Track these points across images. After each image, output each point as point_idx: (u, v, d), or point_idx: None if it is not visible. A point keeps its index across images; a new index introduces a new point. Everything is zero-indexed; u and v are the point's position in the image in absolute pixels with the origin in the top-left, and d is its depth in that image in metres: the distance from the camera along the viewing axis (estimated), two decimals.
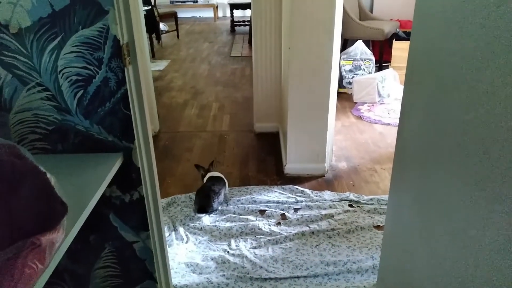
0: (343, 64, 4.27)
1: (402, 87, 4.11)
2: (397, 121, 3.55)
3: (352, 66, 4.28)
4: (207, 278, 1.85)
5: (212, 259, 1.97)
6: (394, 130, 3.39)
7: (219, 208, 2.38)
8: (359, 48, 4.29)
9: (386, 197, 2.44)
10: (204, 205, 2.33)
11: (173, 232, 2.18)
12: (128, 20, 1.09)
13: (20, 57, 1.07)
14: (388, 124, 3.54)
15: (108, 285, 1.39)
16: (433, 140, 0.99)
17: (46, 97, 1.12)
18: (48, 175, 0.77)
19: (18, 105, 1.12)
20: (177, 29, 7.70)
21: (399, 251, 1.28)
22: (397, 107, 3.89)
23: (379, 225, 2.21)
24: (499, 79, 0.65)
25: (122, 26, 1.07)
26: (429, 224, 1.01)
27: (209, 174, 2.51)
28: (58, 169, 1.13)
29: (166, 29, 7.86)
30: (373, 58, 4.30)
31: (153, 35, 6.56)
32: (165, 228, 2.20)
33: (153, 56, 6.31)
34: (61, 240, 0.75)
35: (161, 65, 5.90)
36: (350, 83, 4.27)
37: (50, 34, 1.05)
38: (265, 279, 1.84)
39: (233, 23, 8.33)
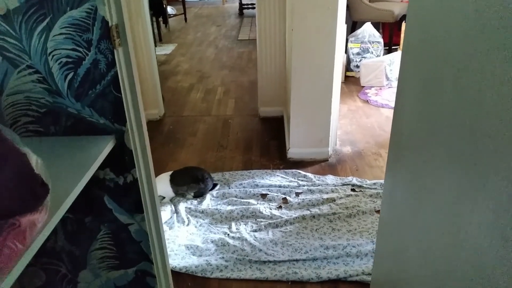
0: (350, 47, 4.20)
1: None
2: None
3: (360, 49, 4.21)
4: (207, 260, 1.86)
5: (212, 242, 1.98)
6: None
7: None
8: (367, 30, 4.20)
9: None
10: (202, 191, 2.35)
11: (175, 215, 2.20)
12: (117, 1, 1.08)
13: (10, 39, 1.06)
14: None
15: (104, 266, 1.41)
16: (427, 122, 0.96)
17: (37, 80, 1.12)
18: (34, 157, 0.78)
19: (10, 87, 1.12)
20: (184, 13, 7.65)
21: (393, 234, 1.27)
22: None
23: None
24: (493, 56, 0.63)
25: (111, 7, 1.06)
26: (421, 207, 0.99)
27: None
28: (50, 152, 1.15)
29: (173, 13, 7.81)
30: (381, 40, 4.22)
31: (160, 19, 6.52)
32: (168, 211, 2.22)
33: (160, 40, 6.29)
34: (43, 220, 0.76)
35: (167, 49, 5.88)
36: (357, 66, 4.20)
37: (38, 15, 1.04)
38: (264, 262, 1.85)
39: (242, 6, 8.23)
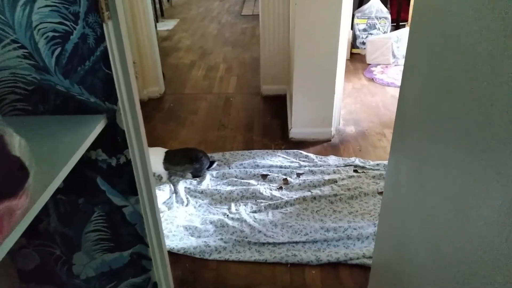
0: (357, 23, 4.08)
1: None
2: None
3: (367, 25, 4.08)
4: (205, 241, 1.84)
5: (211, 223, 1.96)
6: None
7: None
8: (375, 5, 4.07)
9: None
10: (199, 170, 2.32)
11: (174, 195, 2.16)
12: None
13: None
14: None
15: (99, 249, 1.38)
16: (434, 103, 0.90)
17: (23, 55, 1.06)
18: (17, 138, 0.73)
19: None
20: None
21: (395, 217, 1.22)
22: None
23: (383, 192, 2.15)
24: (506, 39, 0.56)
25: None
26: (425, 189, 0.94)
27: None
28: (38, 131, 1.10)
29: None
30: (389, 16, 4.08)
31: None
32: (167, 191, 2.19)
33: (162, 15, 6.15)
34: (23, 207, 0.71)
35: (169, 24, 5.75)
36: (363, 43, 4.09)
37: None
38: (263, 244, 1.83)
39: None
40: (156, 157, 2.23)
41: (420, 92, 1.00)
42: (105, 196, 1.28)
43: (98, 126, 1.11)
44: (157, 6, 5.95)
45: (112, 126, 1.15)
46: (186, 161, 2.28)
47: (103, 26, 1.02)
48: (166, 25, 5.70)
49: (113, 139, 1.18)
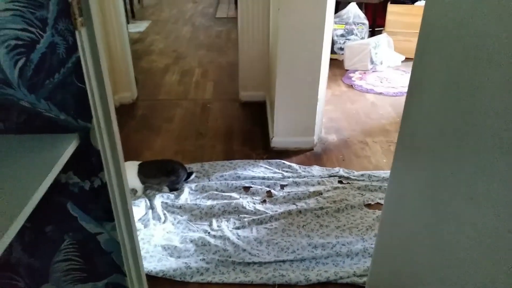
0: (334, 28, 4.04)
1: (396, 54, 3.92)
2: (390, 90, 3.40)
3: (344, 30, 4.05)
4: (186, 262, 1.71)
5: (191, 241, 1.83)
6: (387, 100, 3.24)
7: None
8: (352, 11, 4.05)
9: (377, 173, 2.31)
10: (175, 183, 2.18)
11: (150, 211, 2.02)
12: None
13: None
14: (381, 93, 3.38)
15: (70, 279, 1.24)
16: (451, 124, 0.82)
17: None
18: None
19: None
20: None
21: (399, 237, 1.15)
22: (390, 75, 3.72)
23: (370, 204, 2.09)
24: None
25: None
26: (441, 214, 0.87)
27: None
28: (0, 153, 0.95)
29: None
30: (366, 22, 4.07)
31: None
32: (142, 206, 2.05)
33: (133, 16, 5.94)
34: None
35: (141, 26, 5.56)
36: (341, 48, 4.06)
37: None
38: (248, 263, 1.72)
39: None
40: (130, 170, 2.08)
41: (432, 111, 0.92)
42: (76, 223, 1.14)
43: (70, 147, 0.98)
44: (128, 7, 5.74)
45: (86, 146, 1.02)
46: (162, 174, 2.14)
47: (75, 34, 0.89)
48: (138, 27, 5.50)
49: (86, 160, 1.04)
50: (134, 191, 2.15)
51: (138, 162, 2.15)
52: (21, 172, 0.89)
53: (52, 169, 0.92)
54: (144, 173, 2.11)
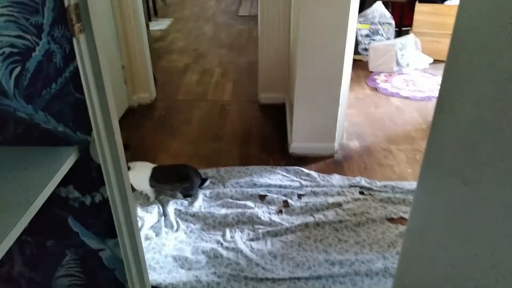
0: (359, 28, 3.89)
1: (424, 56, 3.75)
2: (416, 94, 3.24)
3: (369, 30, 3.90)
4: (196, 276, 1.64)
5: (203, 252, 1.76)
6: (413, 105, 3.09)
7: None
8: (378, 10, 3.89)
9: (401, 184, 2.19)
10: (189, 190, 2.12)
11: (162, 218, 1.96)
12: None
13: None
14: (407, 97, 3.23)
15: None
16: (489, 145, 0.71)
17: None
18: None
19: None
20: None
21: (425, 260, 1.03)
22: (417, 78, 3.55)
23: (392, 218, 1.97)
24: None
25: None
26: (474, 241, 0.76)
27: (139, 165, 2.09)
28: None
29: None
30: (392, 22, 3.91)
31: None
32: (155, 213, 1.99)
33: (156, 14, 5.93)
34: None
35: (163, 24, 5.53)
36: (366, 49, 3.91)
37: None
38: (261, 279, 1.63)
39: None
40: (142, 174, 2.03)
41: (466, 130, 0.81)
42: (78, 238, 1.08)
43: (68, 161, 0.92)
44: (150, 4, 5.72)
45: (85, 160, 0.95)
46: (175, 179, 2.07)
47: (72, 41, 0.82)
48: (159, 25, 5.48)
49: (86, 174, 0.98)
50: (146, 196, 2.10)
51: (153, 166, 2.10)
52: (17, 185, 0.85)
53: (49, 183, 0.86)
54: (157, 178, 2.05)
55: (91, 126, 0.91)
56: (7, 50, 0.82)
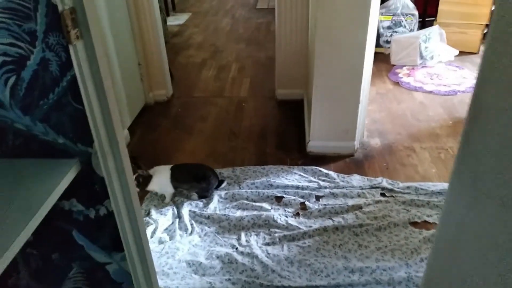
0: (380, 20, 3.75)
1: (449, 48, 3.58)
2: (441, 88, 3.10)
3: (391, 22, 3.75)
4: (210, 282, 1.59)
5: (217, 258, 1.71)
6: (437, 100, 2.96)
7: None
8: (401, 1, 3.73)
9: (425, 185, 2.08)
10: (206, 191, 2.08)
11: (177, 220, 1.92)
12: None
13: None
14: (431, 92, 3.08)
15: None
16: None
17: None
18: None
19: None
20: None
21: (458, 276, 0.95)
22: (441, 71, 3.40)
23: (416, 222, 1.87)
24: None
25: None
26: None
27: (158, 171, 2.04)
28: None
29: None
30: (416, 13, 3.75)
31: None
32: (169, 215, 1.95)
33: (174, 8, 5.88)
34: None
35: (181, 18, 5.48)
36: (388, 41, 3.76)
37: None
38: (277, 287, 1.57)
39: None
40: (164, 177, 2.00)
41: (504, 152, 0.72)
42: (83, 251, 1.04)
43: (69, 173, 0.87)
44: None
45: (88, 172, 0.90)
46: (193, 179, 2.03)
47: (69, 48, 0.76)
48: (178, 20, 5.43)
49: (89, 187, 0.93)
50: (162, 197, 2.06)
51: (170, 166, 2.06)
52: (18, 198, 0.81)
53: (50, 197, 0.82)
54: (176, 177, 2.01)
55: (92, 138, 0.86)
56: (0, 58, 0.78)
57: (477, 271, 0.85)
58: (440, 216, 0.99)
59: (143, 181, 1.94)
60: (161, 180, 2.00)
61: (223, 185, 2.12)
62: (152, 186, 1.99)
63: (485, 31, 3.76)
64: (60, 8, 0.73)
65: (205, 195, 2.06)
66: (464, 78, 3.27)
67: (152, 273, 1.13)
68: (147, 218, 1.91)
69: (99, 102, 0.85)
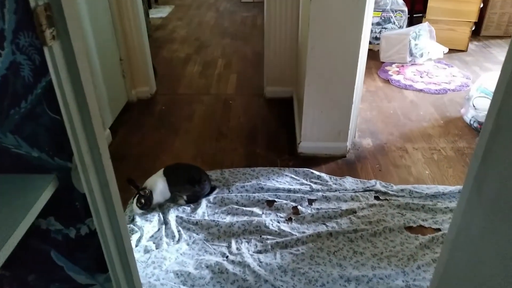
0: None
1: (438, 45, 3.55)
2: (431, 86, 3.06)
3: (381, 18, 3.70)
4: None
5: (207, 267, 1.62)
6: (428, 99, 2.92)
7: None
8: None
9: (419, 187, 2.03)
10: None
11: (163, 227, 1.82)
12: None
13: None
14: (421, 90, 3.05)
15: None
16: None
17: None
18: None
19: None
20: None
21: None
22: (431, 69, 3.36)
23: (411, 226, 1.82)
24: None
25: None
26: None
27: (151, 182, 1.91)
28: None
29: None
30: (405, 9, 3.70)
31: None
32: (155, 221, 1.85)
33: (156, 1, 5.71)
34: None
35: (164, 11, 5.33)
36: (377, 38, 3.71)
37: None
38: None
39: None
40: (161, 187, 1.89)
41: None
42: (63, 272, 0.94)
43: (46, 191, 0.77)
44: None
45: (67, 189, 0.80)
46: (187, 181, 1.93)
47: (43, 50, 0.66)
48: (160, 12, 5.27)
49: (69, 205, 0.83)
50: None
51: (161, 172, 1.93)
52: None
53: (26, 216, 0.73)
54: (170, 182, 1.90)
55: (71, 151, 0.76)
56: None
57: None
58: (449, 233, 0.92)
59: (145, 201, 1.83)
60: (160, 190, 1.88)
61: (215, 192, 2.02)
62: (157, 199, 1.88)
63: (473, 28, 3.74)
64: (32, 4, 0.62)
65: (195, 200, 1.96)
66: (453, 76, 3.24)
67: None
68: (131, 225, 1.81)
69: (79, 111, 0.75)
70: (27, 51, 0.66)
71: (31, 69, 0.67)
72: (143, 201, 1.82)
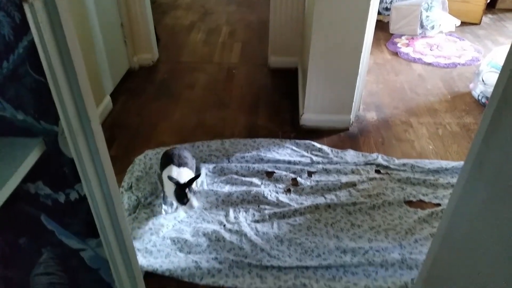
0: None
1: (451, 17, 3.43)
2: (441, 60, 2.98)
3: None
4: (196, 261, 1.52)
5: (204, 235, 1.63)
6: (437, 73, 2.85)
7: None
8: None
9: (422, 162, 2.00)
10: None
11: (162, 194, 1.82)
12: None
13: None
14: (430, 64, 2.96)
15: None
16: None
17: None
18: None
19: None
20: None
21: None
22: (442, 42, 3.26)
23: (411, 200, 1.81)
24: None
25: None
26: None
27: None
28: None
29: None
30: None
31: None
32: (155, 190, 1.85)
33: None
34: None
35: None
36: (387, 9, 3.59)
37: None
38: (266, 267, 1.51)
39: None
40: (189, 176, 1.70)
41: None
42: (54, 237, 0.94)
43: (32, 154, 0.76)
44: None
45: (55, 153, 0.79)
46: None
47: (23, 8, 0.63)
48: None
49: (57, 170, 0.82)
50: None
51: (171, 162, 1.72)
52: None
53: (10, 179, 0.71)
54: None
55: (57, 114, 0.74)
56: None
57: (491, 269, 0.77)
58: (448, 208, 0.90)
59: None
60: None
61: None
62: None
63: (488, 1, 3.60)
64: None
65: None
66: (464, 50, 3.14)
67: (133, 258, 1.04)
68: (130, 193, 1.81)
69: (65, 73, 0.72)
70: (6, 8, 0.63)
71: (11, 27, 0.64)
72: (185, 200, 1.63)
